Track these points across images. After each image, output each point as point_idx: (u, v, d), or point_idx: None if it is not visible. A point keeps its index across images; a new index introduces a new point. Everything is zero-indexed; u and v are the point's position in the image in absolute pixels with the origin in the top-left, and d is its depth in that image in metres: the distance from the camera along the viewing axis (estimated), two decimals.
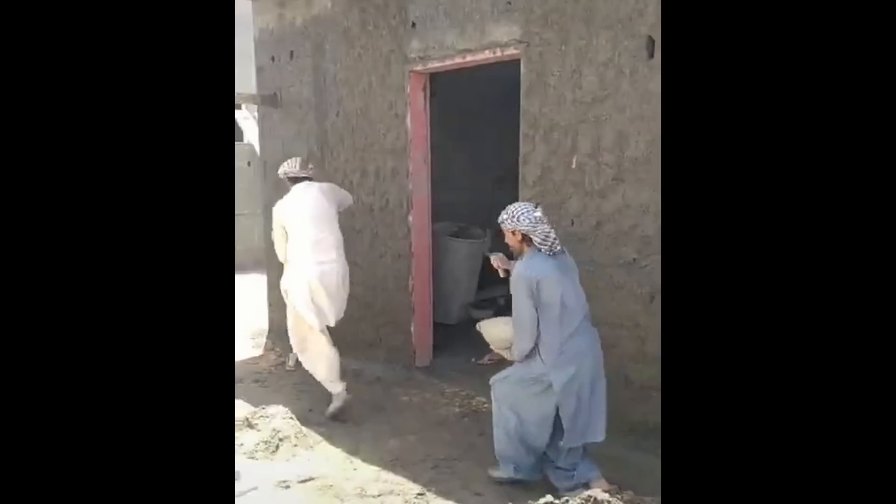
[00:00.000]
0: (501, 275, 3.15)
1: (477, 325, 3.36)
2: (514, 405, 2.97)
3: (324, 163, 5.04)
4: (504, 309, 4.42)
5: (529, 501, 2.67)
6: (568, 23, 3.45)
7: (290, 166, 4.11)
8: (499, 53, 3.82)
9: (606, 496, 2.55)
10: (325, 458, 3.35)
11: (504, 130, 5.74)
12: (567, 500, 2.53)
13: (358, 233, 4.81)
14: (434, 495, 2.95)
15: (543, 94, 3.59)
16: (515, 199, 3.86)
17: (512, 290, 2.89)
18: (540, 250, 2.84)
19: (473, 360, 4.72)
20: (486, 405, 3.75)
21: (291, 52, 5.20)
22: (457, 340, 5.09)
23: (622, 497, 2.69)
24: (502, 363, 3.39)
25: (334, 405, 3.93)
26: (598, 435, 2.88)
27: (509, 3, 3.70)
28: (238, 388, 4.52)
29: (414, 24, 4.27)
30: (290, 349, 4.38)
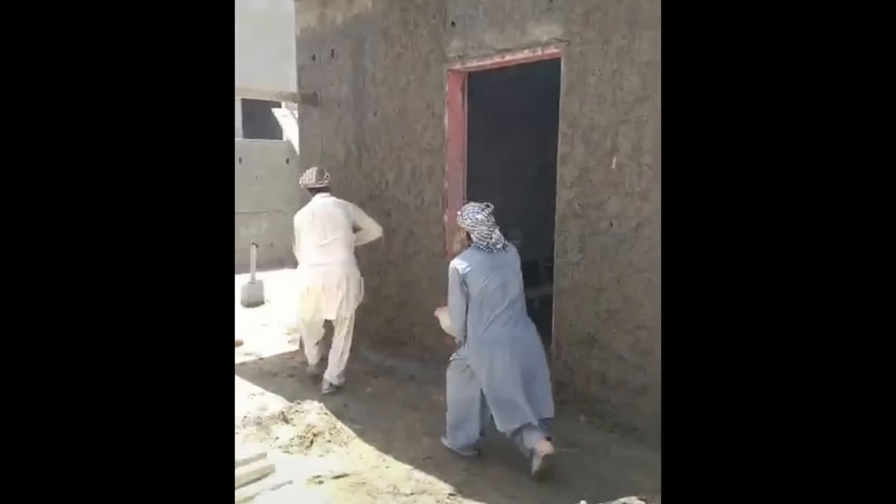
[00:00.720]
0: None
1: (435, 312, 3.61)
2: (449, 386, 3.38)
3: (361, 161, 5.08)
4: (539, 311, 4.38)
5: None
6: (610, 22, 3.41)
7: (307, 178, 4.47)
8: (539, 52, 3.79)
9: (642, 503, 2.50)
10: (358, 454, 3.37)
11: (539, 131, 5.70)
12: None
13: (393, 231, 4.84)
14: (465, 497, 2.94)
15: (583, 93, 3.55)
16: (551, 200, 3.84)
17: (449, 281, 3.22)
18: (479, 248, 3.15)
19: None
20: None
21: (332, 51, 5.25)
22: None
23: None
24: None
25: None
26: (529, 417, 3.04)
27: (551, 2, 3.66)
28: (273, 382, 4.60)
29: (454, 24, 4.27)
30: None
